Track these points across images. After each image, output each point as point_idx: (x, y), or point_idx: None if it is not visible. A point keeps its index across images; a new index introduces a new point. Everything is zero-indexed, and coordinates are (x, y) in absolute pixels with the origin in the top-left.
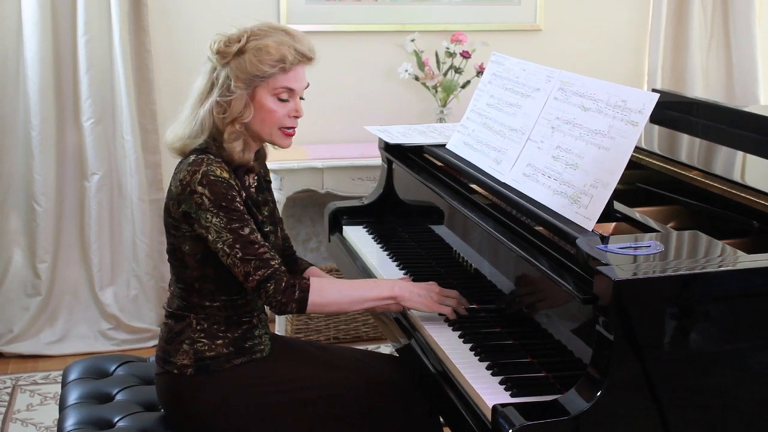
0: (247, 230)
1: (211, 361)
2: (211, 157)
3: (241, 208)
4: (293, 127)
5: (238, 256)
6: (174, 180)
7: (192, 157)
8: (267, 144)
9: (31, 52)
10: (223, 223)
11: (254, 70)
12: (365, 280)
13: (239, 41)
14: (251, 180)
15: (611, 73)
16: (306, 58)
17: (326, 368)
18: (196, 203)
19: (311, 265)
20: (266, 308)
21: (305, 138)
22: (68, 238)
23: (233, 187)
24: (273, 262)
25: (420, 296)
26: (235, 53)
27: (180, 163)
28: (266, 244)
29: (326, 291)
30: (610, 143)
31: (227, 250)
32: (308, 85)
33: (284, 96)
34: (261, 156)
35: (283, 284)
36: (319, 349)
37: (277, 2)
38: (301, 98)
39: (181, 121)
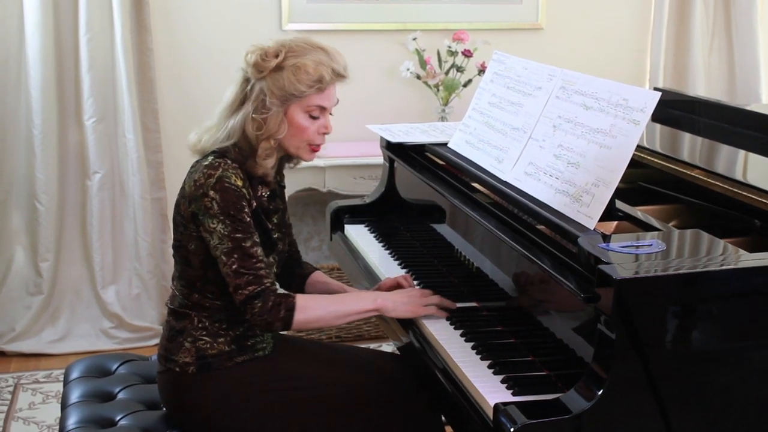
0: (248, 243)
1: (213, 359)
2: (229, 162)
3: (248, 219)
4: (321, 144)
5: (233, 267)
6: (189, 179)
7: (210, 158)
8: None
9: (33, 50)
10: (227, 231)
11: (291, 89)
12: (349, 294)
13: (277, 56)
14: (264, 190)
15: (613, 71)
16: (341, 77)
17: (328, 366)
18: (205, 206)
19: (316, 269)
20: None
21: None
22: (70, 237)
23: (244, 197)
24: (266, 280)
25: (403, 304)
26: (272, 69)
27: (197, 162)
28: (264, 259)
29: (311, 309)
30: (611, 142)
31: (224, 258)
32: (338, 101)
33: (316, 113)
34: (279, 166)
35: (270, 303)
36: (321, 347)
37: (279, 1)
38: (330, 113)
39: (207, 128)
